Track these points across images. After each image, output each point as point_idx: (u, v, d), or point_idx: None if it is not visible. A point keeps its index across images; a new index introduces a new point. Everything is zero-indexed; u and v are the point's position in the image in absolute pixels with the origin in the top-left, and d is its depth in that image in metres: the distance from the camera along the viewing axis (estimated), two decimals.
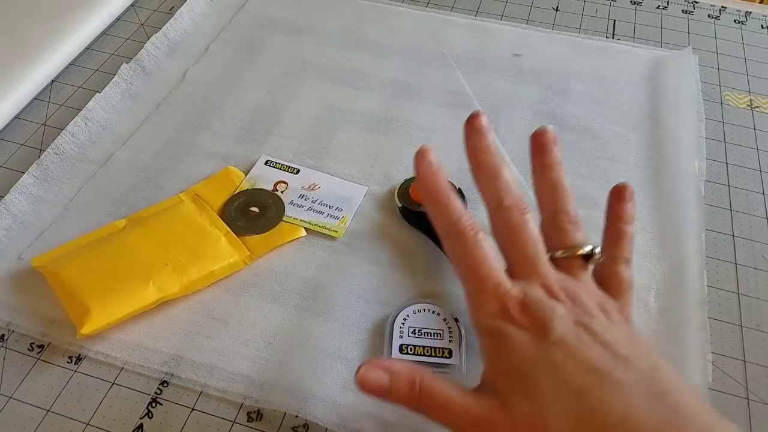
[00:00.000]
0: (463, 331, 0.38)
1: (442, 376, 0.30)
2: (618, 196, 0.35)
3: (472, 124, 0.34)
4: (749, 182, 0.49)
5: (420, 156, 0.33)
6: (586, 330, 0.28)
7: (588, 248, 0.32)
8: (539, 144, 0.35)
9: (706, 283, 0.42)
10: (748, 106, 0.56)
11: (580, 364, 0.27)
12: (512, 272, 0.31)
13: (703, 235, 0.44)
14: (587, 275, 0.32)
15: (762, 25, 0.63)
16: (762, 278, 0.43)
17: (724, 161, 0.51)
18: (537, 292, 0.29)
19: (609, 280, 0.32)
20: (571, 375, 0.26)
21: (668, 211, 0.46)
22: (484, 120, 0.34)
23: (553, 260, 0.31)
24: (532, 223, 0.32)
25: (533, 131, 0.35)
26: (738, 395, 0.37)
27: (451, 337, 0.38)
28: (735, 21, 0.63)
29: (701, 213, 0.45)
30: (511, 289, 0.29)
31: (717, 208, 0.47)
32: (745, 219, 0.47)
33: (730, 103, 0.56)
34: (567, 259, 0.32)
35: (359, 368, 0.30)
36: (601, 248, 0.33)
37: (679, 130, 0.51)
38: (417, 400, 0.29)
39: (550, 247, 0.32)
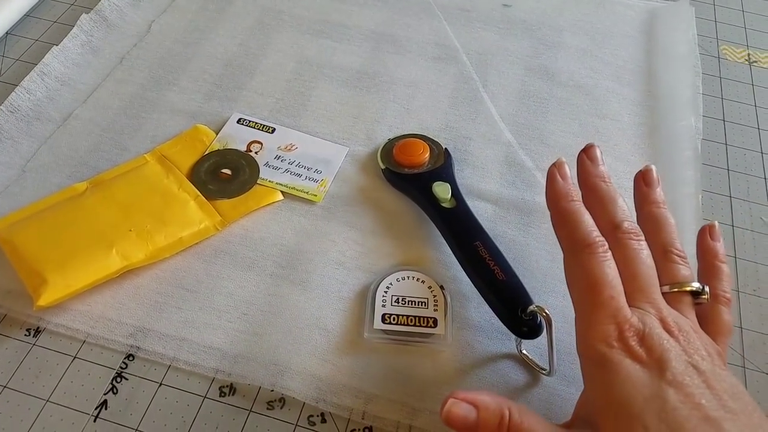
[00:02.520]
0: (448, 299, 0.36)
1: (532, 411, 0.28)
2: (711, 236, 0.34)
3: (587, 152, 0.34)
4: (747, 141, 0.47)
5: (556, 167, 0.33)
6: (699, 373, 0.26)
7: (697, 285, 0.30)
8: (647, 180, 0.34)
9: None
10: (746, 60, 0.53)
11: (693, 411, 0.25)
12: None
13: (700, 197, 0.42)
14: (693, 313, 0.30)
15: None
16: (759, 241, 0.42)
17: (721, 118, 0.49)
18: (654, 324, 0.28)
19: (709, 320, 0.31)
20: (684, 421, 0.25)
21: (664, 172, 0.43)
22: (598, 152, 0.34)
23: (663, 295, 0.30)
24: (648, 250, 0.31)
25: (640, 170, 0.35)
26: (735, 363, 0.36)
27: (437, 305, 0.36)
28: None
29: (698, 173, 0.43)
30: (631, 317, 0.28)
31: (714, 167, 0.45)
32: (742, 179, 0.45)
33: (728, 57, 0.53)
34: (676, 294, 0.30)
35: (444, 402, 0.28)
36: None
37: (676, 86, 0.49)
38: None
39: (659, 280, 0.30)
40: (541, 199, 0.41)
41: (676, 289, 0.30)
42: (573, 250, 0.30)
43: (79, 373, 0.34)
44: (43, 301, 0.34)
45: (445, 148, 0.43)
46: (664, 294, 0.30)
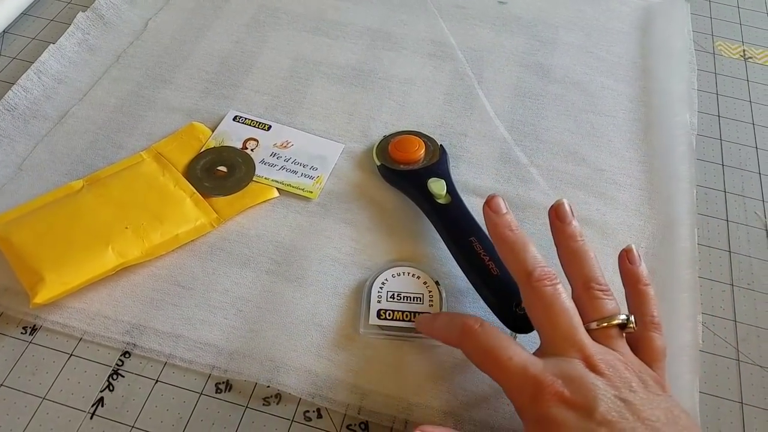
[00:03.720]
0: (443, 295, 0.36)
1: None
2: (630, 260, 0.34)
3: (489, 206, 0.34)
4: (741, 136, 0.47)
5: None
6: (628, 406, 0.27)
7: (623, 317, 0.31)
8: (559, 215, 0.34)
9: (696, 242, 0.40)
10: (741, 56, 0.53)
11: None
12: (547, 347, 0.30)
13: (695, 192, 0.42)
14: (624, 344, 0.31)
15: None
16: (753, 235, 0.42)
17: (716, 114, 0.49)
18: (577, 368, 0.28)
19: (642, 347, 0.31)
20: None
21: (659, 167, 0.44)
22: (500, 201, 0.34)
23: (589, 332, 0.30)
24: (565, 293, 0.31)
25: (552, 205, 0.34)
26: (728, 357, 0.36)
27: (431, 301, 0.36)
28: None
29: (693, 168, 0.43)
30: (543, 370, 0.28)
31: (708, 162, 0.46)
32: (737, 174, 0.45)
33: (723, 53, 0.53)
34: (604, 329, 0.30)
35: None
36: (628, 312, 0.32)
37: (671, 82, 0.49)
38: None
39: (585, 318, 0.31)
40: (536, 195, 0.42)
41: (604, 324, 0.30)
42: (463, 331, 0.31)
43: (76, 370, 0.34)
44: (39, 298, 0.34)
45: (441, 145, 0.43)
46: (591, 331, 0.30)
